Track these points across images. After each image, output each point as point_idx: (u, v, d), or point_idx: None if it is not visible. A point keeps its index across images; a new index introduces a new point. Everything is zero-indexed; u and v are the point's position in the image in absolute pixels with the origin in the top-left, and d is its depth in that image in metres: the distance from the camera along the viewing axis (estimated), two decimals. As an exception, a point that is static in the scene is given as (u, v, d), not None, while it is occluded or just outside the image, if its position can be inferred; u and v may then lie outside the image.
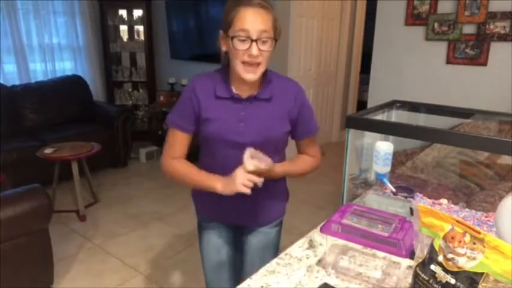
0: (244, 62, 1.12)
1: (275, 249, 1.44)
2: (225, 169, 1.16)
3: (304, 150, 1.35)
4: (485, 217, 1.25)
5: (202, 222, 1.44)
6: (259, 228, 1.38)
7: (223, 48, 1.18)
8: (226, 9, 1.13)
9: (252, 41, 1.09)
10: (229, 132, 1.20)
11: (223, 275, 1.45)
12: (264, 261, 1.40)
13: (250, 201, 1.24)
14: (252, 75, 1.13)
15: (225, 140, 1.21)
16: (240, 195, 1.11)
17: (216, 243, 1.42)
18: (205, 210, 1.41)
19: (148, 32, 4.73)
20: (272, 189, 1.33)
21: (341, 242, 0.99)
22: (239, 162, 1.12)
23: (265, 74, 1.21)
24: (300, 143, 1.35)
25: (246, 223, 1.39)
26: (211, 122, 1.21)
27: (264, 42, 1.10)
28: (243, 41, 1.09)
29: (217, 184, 1.15)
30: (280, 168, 1.24)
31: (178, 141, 1.25)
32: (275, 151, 1.26)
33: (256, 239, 1.39)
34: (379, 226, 0.95)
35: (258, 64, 1.12)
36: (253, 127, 1.20)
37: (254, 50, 1.09)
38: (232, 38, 1.10)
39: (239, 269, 1.47)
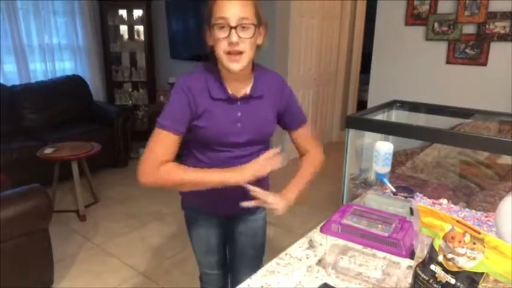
0: (227, 53, 1.10)
1: (264, 235, 1.49)
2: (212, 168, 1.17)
3: (302, 144, 1.36)
4: (485, 217, 1.25)
5: (190, 216, 1.45)
6: (248, 217, 1.41)
7: (210, 43, 1.16)
8: (208, 4, 1.13)
9: (231, 28, 1.07)
10: (225, 134, 1.20)
11: (211, 259, 1.50)
12: (254, 247, 1.46)
13: (239, 190, 1.27)
14: (236, 64, 1.11)
15: (220, 141, 1.21)
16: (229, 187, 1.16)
17: (205, 236, 1.45)
18: (195, 203, 1.39)
19: (149, 32, 4.73)
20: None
21: (341, 242, 0.99)
22: (227, 162, 1.15)
23: (254, 68, 1.22)
24: (296, 137, 1.35)
25: (235, 211, 1.37)
26: (207, 123, 1.18)
27: (244, 28, 1.08)
28: (222, 27, 1.08)
29: (226, 175, 1.14)
30: (295, 191, 1.25)
31: (169, 144, 1.15)
32: (263, 144, 1.29)
33: (246, 227, 1.43)
34: (379, 226, 0.95)
35: (241, 53, 1.10)
36: (249, 127, 1.22)
37: (233, 37, 1.07)
38: (212, 26, 1.09)
39: (229, 257, 1.54)
